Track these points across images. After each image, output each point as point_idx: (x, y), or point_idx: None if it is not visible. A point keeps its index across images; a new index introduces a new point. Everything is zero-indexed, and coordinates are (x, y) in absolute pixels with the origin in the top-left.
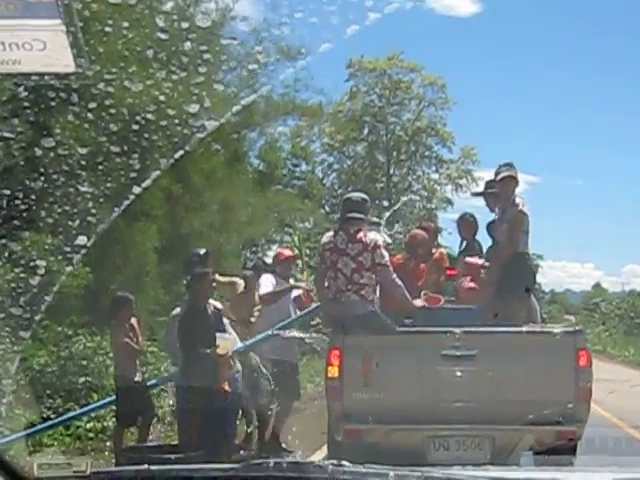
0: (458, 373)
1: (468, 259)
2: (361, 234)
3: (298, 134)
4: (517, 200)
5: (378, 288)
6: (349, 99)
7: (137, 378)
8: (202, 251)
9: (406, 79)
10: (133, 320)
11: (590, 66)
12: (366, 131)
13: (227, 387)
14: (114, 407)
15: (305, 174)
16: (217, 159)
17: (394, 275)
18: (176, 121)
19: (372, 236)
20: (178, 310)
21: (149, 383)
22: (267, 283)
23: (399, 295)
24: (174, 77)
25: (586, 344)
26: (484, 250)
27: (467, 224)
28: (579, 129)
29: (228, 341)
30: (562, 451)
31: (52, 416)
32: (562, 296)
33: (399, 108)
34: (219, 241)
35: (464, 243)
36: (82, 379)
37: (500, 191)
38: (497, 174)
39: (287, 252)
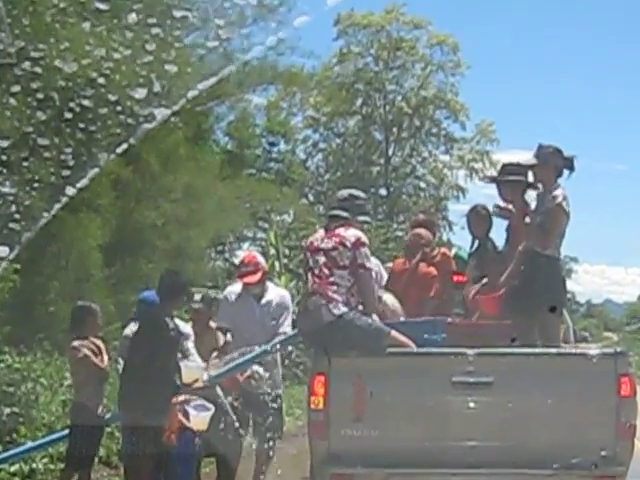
0: (471, 405)
1: (482, 297)
2: (341, 229)
3: (276, 105)
4: (557, 192)
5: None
6: (338, 62)
7: (99, 410)
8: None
9: (409, 37)
10: (98, 340)
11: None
12: (359, 102)
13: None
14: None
15: (284, 155)
16: (176, 137)
17: (374, 284)
18: (119, 109)
19: (353, 232)
20: (133, 328)
21: (106, 417)
22: (227, 309)
23: (370, 307)
24: (116, 56)
25: (630, 369)
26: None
27: (479, 218)
28: (622, 103)
29: (195, 370)
30: None
31: None
32: (601, 308)
33: (400, 73)
34: (179, 238)
35: (475, 242)
36: (7, 410)
37: (538, 175)
38: (538, 157)
39: (247, 268)
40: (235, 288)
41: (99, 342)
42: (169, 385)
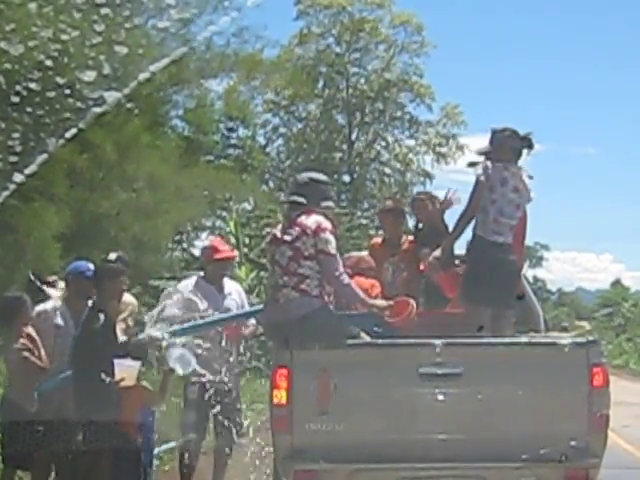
0: (440, 397)
1: (440, 276)
2: (302, 217)
3: (235, 89)
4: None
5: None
6: (299, 44)
7: (33, 407)
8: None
9: (371, 18)
10: (30, 329)
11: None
12: (321, 85)
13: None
14: None
15: (243, 141)
16: (131, 124)
17: (341, 269)
18: (67, 92)
19: (314, 218)
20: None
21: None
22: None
23: (349, 295)
24: (64, 37)
25: (602, 358)
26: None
27: (418, 203)
28: (593, 86)
29: (124, 368)
30: None
31: None
32: (573, 296)
33: (362, 55)
34: (136, 228)
35: (420, 225)
36: None
37: (495, 160)
38: (493, 142)
39: (223, 247)
40: (188, 282)
41: (32, 332)
42: (95, 380)
